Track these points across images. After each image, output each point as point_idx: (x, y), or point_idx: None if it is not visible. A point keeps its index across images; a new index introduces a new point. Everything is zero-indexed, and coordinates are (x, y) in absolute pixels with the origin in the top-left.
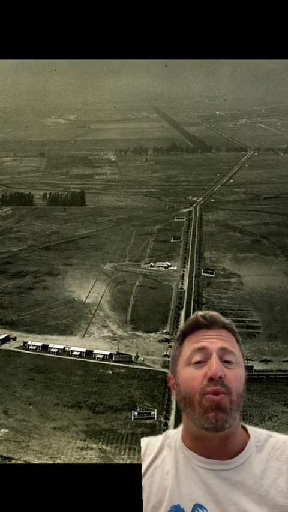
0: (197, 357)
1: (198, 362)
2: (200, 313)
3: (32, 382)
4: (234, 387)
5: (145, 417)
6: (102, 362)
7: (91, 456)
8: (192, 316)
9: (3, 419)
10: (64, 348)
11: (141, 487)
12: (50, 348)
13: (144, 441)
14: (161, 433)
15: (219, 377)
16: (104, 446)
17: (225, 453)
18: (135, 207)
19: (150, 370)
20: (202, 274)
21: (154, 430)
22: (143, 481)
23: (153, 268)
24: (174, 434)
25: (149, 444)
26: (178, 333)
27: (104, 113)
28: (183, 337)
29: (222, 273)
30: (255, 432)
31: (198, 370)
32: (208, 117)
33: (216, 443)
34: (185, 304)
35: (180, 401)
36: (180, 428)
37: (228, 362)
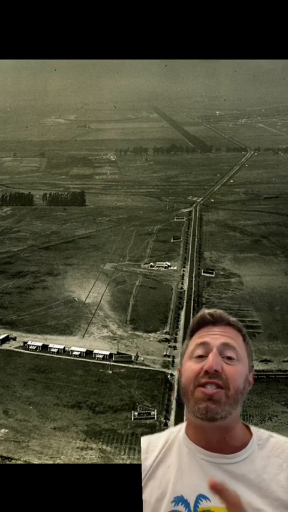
0: (199, 351)
1: (200, 356)
2: (206, 310)
3: (32, 382)
4: (232, 382)
5: (145, 417)
6: (102, 362)
7: (91, 456)
8: (199, 313)
9: (3, 419)
10: (64, 348)
11: (141, 487)
12: (50, 348)
13: (146, 439)
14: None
15: (215, 370)
16: (104, 446)
17: (227, 447)
18: (135, 207)
19: (150, 370)
20: (202, 274)
21: (154, 430)
22: (146, 477)
23: (153, 268)
24: (176, 431)
25: (150, 442)
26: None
27: (104, 113)
28: (191, 333)
29: (222, 273)
30: (258, 431)
31: (198, 363)
32: (208, 117)
33: (215, 435)
34: (185, 304)
35: (181, 392)
36: (182, 424)
37: (229, 358)
